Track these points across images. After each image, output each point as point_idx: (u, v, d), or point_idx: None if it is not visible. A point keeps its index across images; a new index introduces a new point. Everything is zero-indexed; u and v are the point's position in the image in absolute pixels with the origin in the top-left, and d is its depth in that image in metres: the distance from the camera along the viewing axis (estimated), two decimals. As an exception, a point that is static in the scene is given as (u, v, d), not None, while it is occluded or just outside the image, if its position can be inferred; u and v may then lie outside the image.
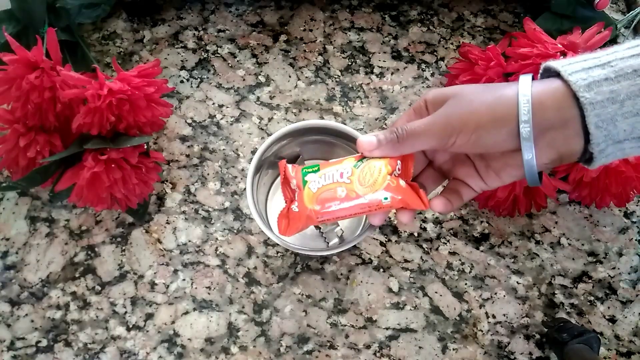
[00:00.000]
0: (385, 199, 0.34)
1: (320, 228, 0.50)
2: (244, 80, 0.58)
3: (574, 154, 0.30)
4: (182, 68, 0.58)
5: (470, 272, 0.51)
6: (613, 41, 0.57)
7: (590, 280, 0.51)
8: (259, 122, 0.56)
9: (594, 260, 0.52)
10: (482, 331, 0.49)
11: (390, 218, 0.52)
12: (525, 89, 0.30)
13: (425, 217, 0.53)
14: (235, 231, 0.52)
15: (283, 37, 0.60)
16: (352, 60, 0.59)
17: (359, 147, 0.34)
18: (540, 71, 0.32)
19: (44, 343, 0.48)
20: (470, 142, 0.31)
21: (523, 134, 0.29)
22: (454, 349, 0.48)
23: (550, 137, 0.29)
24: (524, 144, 0.29)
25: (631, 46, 0.29)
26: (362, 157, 0.35)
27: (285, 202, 0.37)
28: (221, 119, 0.56)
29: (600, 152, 0.29)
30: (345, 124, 0.52)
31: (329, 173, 0.35)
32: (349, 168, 0.34)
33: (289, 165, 0.36)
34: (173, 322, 0.49)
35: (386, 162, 0.34)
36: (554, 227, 0.53)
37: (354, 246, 0.50)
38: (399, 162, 0.34)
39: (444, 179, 0.37)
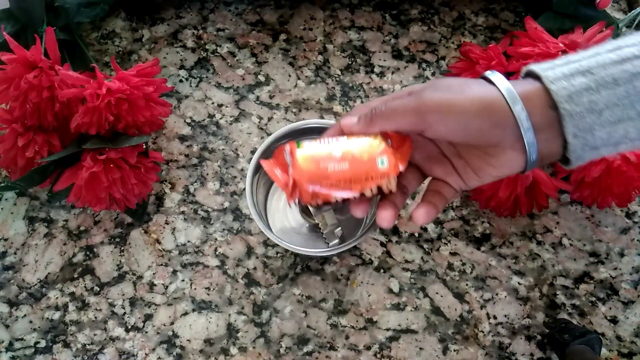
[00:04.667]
0: (382, 163, 0.32)
1: (320, 228, 0.50)
2: (243, 79, 0.58)
3: (554, 155, 0.31)
4: (181, 67, 0.58)
5: (471, 272, 0.51)
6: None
7: (591, 281, 0.51)
8: (259, 122, 0.56)
9: (596, 260, 0.51)
10: (483, 332, 0.49)
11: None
12: (504, 85, 0.30)
13: (425, 218, 0.52)
14: (234, 231, 0.52)
15: (283, 36, 0.59)
16: (353, 59, 0.59)
17: (343, 127, 0.33)
18: (522, 75, 0.32)
19: (43, 344, 0.48)
20: (449, 127, 0.30)
21: (523, 125, 0.29)
22: (454, 350, 0.48)
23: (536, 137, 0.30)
24: (526, 134, 0.29)
25: (612, 49, 0.29)
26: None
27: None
28: (220, 118, 0.56)
29: (577, 158, 0.30)
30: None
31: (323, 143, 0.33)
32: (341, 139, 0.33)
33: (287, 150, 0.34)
34: (172, 323, 0.49)
35: (373, 138, 0.33)
36: (556, 228, 0.52)
37: (354, 247, 0.50)
38: (389, 140, 0.33)
39: (424, 178, 0.36)
